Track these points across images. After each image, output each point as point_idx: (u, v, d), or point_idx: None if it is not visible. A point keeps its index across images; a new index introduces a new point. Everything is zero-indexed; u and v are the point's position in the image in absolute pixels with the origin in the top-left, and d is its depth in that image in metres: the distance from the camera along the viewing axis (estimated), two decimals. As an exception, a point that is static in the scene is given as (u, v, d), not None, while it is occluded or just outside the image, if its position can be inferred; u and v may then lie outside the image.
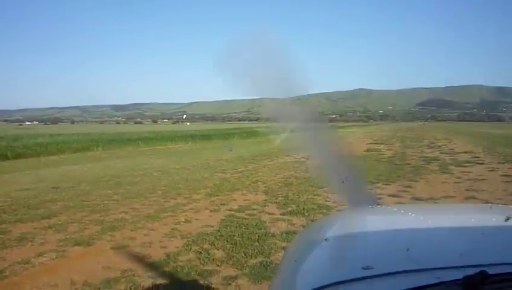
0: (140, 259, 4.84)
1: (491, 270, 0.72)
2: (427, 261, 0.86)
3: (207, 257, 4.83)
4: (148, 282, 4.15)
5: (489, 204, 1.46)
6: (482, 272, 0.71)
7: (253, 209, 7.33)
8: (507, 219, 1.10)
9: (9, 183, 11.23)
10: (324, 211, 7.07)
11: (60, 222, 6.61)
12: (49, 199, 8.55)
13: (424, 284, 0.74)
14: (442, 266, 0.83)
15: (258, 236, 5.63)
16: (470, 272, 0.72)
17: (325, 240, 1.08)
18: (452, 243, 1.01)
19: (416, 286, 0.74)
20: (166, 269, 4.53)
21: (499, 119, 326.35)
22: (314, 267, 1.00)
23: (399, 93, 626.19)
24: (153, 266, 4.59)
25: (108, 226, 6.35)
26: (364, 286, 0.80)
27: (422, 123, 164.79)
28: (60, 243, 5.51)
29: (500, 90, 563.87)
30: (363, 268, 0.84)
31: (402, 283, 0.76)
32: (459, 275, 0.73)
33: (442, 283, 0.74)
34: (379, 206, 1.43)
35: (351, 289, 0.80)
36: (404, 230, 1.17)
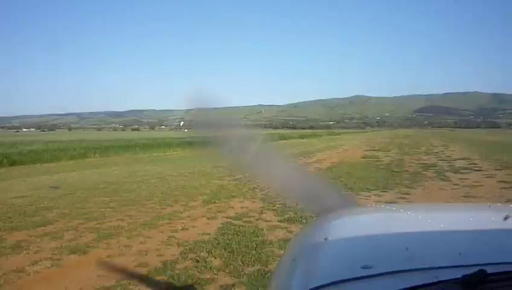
0: (136, 267, 4.80)
1: (490, 270, 0.73)
2: (426, 260, 0.86)
3: (204, 265, 4.79)
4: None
5: (488, 203, 1.46)
6: (481, 271, 0.71)
7: (251, 217, 7.30)
8: (506, 218, 1.10)
9: (5, 190, 11.14)
10: (322, 218, 7.05)
11: (55, 230, 6.56)
12: (44, 207, 8.49)
13: (423, 283, 0.74)
14: (441, 265, 0.83)
15: (256, 244, 5.60)
16: (469, 271, 0.72)
17: (324, 239, 1.06)
18: (451, 242, 1.01)
19: (415, 285, 0.74)
20: (163, 277, 4.49)
21: (495, 126, 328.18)
22: (312, 266, 1.00)
23: (396, 100, 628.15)
24: (149, 275, 4.55)
25: (105, 233, 6.30)
26: (363, 285, 0.80)
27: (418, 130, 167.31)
28: (55, 251, 5.46)
29: (496, 96, 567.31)
30: (362, 267, 0.84)
31: (401, 282, 0.76)
32: (458, 274, 0.73)
33: (440, 282, 0.74)
34: (378, 205, 1.41)
35: (349, 288, 0.79)
36: (403, 229, 1.17)
